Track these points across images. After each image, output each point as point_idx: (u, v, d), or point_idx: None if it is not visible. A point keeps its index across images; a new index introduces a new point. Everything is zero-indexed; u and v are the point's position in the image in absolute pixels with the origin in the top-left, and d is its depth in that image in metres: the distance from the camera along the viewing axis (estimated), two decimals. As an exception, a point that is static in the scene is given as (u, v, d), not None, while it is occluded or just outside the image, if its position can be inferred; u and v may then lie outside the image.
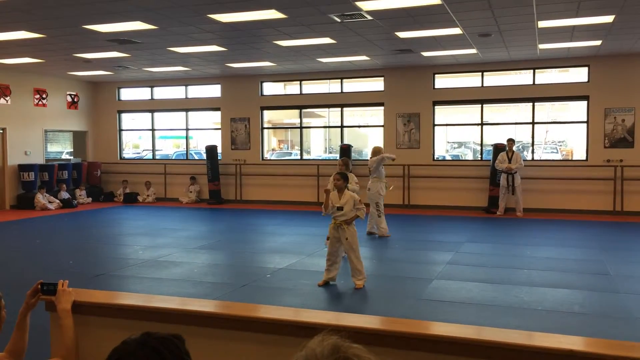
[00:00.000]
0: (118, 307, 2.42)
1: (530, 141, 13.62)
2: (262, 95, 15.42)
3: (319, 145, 21.08)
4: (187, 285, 6.64)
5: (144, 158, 17.62)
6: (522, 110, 14.24)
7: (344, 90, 14.73)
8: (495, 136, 14.21)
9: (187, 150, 17.15)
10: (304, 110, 15.51)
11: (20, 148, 14.72)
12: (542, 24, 9.18)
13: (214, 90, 15.90)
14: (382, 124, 14.40)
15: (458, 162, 15.85)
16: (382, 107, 14.33)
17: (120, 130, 17.17)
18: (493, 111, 14.63)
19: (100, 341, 2.28)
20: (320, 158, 17.31)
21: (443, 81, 14.00)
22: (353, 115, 17.17)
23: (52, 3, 7.87)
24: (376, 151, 9.92)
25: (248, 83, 15.30)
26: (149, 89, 16.56)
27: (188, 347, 1.39)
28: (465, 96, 13.72)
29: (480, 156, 14.13)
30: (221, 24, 9.09)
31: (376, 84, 14.53)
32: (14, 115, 14.47)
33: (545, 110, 15.06)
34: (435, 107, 13.91)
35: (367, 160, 10.08)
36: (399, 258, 8.33)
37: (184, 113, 16.38)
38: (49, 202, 14.33)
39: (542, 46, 11.14)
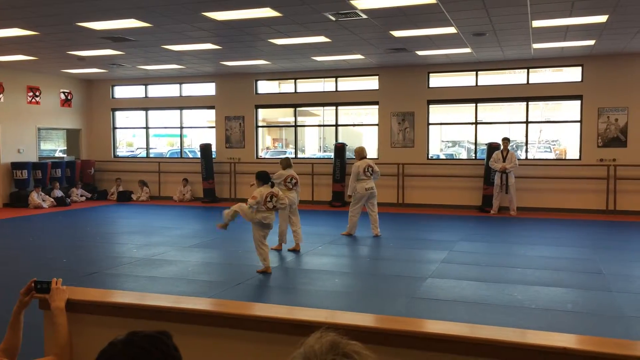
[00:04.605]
0: (112, 305, 2.41)
1: (524, 140, 13.67)
2: (256, 93, 15.40)
3: (314, 144, 21.11)
4: (181, 283, 6.64)
5: (138, 156, 17.57)
6: (516, 110, 14.29)
7: (339, 89, 14.73)
8: (489, 135, 14.26)
9: (181, 149, 17.10)
10: (298, 108, 15.49)
11: (13, 146, 14.64)
12: (536, 23, 9.21)
13: (208, 89, 15.86)
14: (377, 122, 14.41)
15: (452, 161, 15.90)
16: (377, 106, 14.34)
17: (114, 128, 17.11)
18: (487, 110, 14.66)
19: (94, 339, 2.27)
20: (314, 157, 17.31)
21: (437, 80, 14.01)
22: (348, 114, 17.18)
23: (46, 0, 7.83)
24: (360, 151, 10.03)
25: (243, 81, 15.27)
26: (143, 87, 16.50)
27: (182, 346, 1.38)
28: (459, 95, 13.74)
29: (474, 155, 14.16)
30: (216, 22, 9.07)
31: (371, 83, 14.54)
32: (7, 113, 14.39)
33: (539, 109, 15.12)
34: (430, 106, 13.93)
35: None
36: (393, 256, 8.35)
37: (178, 111, 16.33)
38: (43, 200, 14.26)
39: (536, 46, 11.17)
